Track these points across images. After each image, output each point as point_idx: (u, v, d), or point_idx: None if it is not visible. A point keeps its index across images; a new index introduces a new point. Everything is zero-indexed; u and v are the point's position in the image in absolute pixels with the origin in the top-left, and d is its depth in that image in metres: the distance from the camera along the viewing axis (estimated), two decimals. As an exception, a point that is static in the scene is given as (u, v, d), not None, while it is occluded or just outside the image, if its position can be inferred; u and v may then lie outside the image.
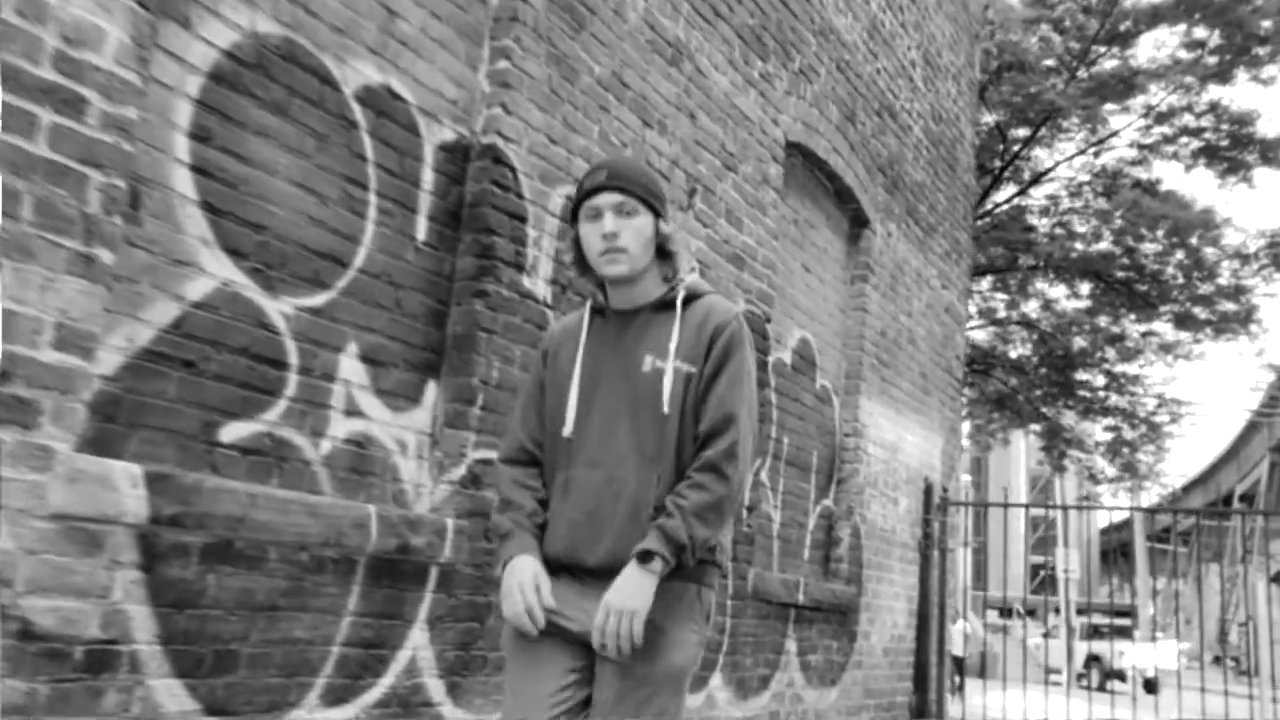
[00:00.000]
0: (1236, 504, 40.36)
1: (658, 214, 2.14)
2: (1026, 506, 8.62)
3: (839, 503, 6.35)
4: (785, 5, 5.61)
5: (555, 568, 2.07)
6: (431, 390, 3.50)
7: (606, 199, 2.10)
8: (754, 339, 5.10)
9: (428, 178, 3.52)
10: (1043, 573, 47.15)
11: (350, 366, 3.21)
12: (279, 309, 3.00)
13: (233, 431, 2.85)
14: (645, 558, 1.94)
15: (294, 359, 3.03)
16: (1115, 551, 47.60)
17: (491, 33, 3.77)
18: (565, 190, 3.92)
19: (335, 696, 2.99)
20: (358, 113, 3.27)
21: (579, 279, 2.22)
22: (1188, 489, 43.01)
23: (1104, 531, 46.64)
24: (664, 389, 2.06)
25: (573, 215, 2.18)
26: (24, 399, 2.27)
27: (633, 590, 1.93)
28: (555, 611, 2.00)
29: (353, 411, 3.21)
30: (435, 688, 3.31)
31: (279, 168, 3.01)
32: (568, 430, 2.11)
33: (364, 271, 3.27)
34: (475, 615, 3.47)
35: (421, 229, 3.49)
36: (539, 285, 3.79)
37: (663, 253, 2.17)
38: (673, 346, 2.09)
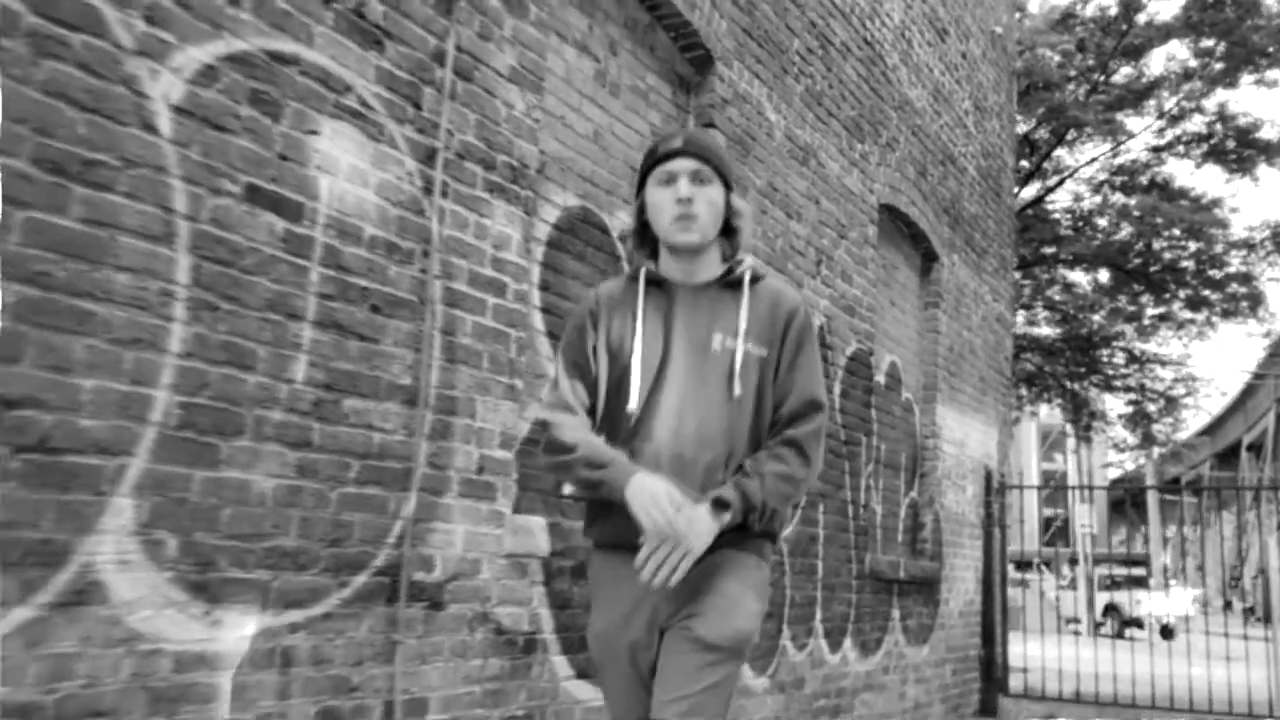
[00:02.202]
0: (1245, 454, 41.70)
1: (729, 187, 2.14)
2: (1077, 489, 9.89)
3: (922, 494, 7.66)
4: (875, 92, 6.85)
5: (612, 549, 2.11)
6: (668, 441, 4.80)
7: (682, 164, 2.09)
8: (860, 369, 6.40)
9: (659, 286, 4.80)
10: (1054, 525, 48.62)
11: (625, 432, 4.51)
12: (587, 398, 4.29)
13: (568, 488, 4.16)
14: (719, 505, 1.97)
15: (596, 431, 4.34)
16: (1125, 502, 49.11)
17: (692, 169, 5.04)
18: (745, 281, 5.20)
19: (637, 664, 4.32)
20: (620, 248, 4.55)
21: (636, 250, 2.21)
22: (1196, 440, 44.30)
23: (1114, 483, 48.09)
24: (736, 371, 2.05)
25: (640, 182, 2.17)
26: (489, 483, 3.58)
27: (698, 530, 1.93)
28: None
29: (628, 463, 4.51)
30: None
31: (579, 298, 4.29)
32: (633, 405, 2.07)
33: (629, 362, 4.56)
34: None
35: (657, 324, 4.78)
36: (732, 356, 5.09)
37: (726, 229, 2.16)
38: (743, 328, 2.08)
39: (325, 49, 3.04)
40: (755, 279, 2.15)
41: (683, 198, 2.06)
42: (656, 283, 2.15)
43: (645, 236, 2.16)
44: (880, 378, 7.09)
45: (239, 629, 2.72)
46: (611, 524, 2.07)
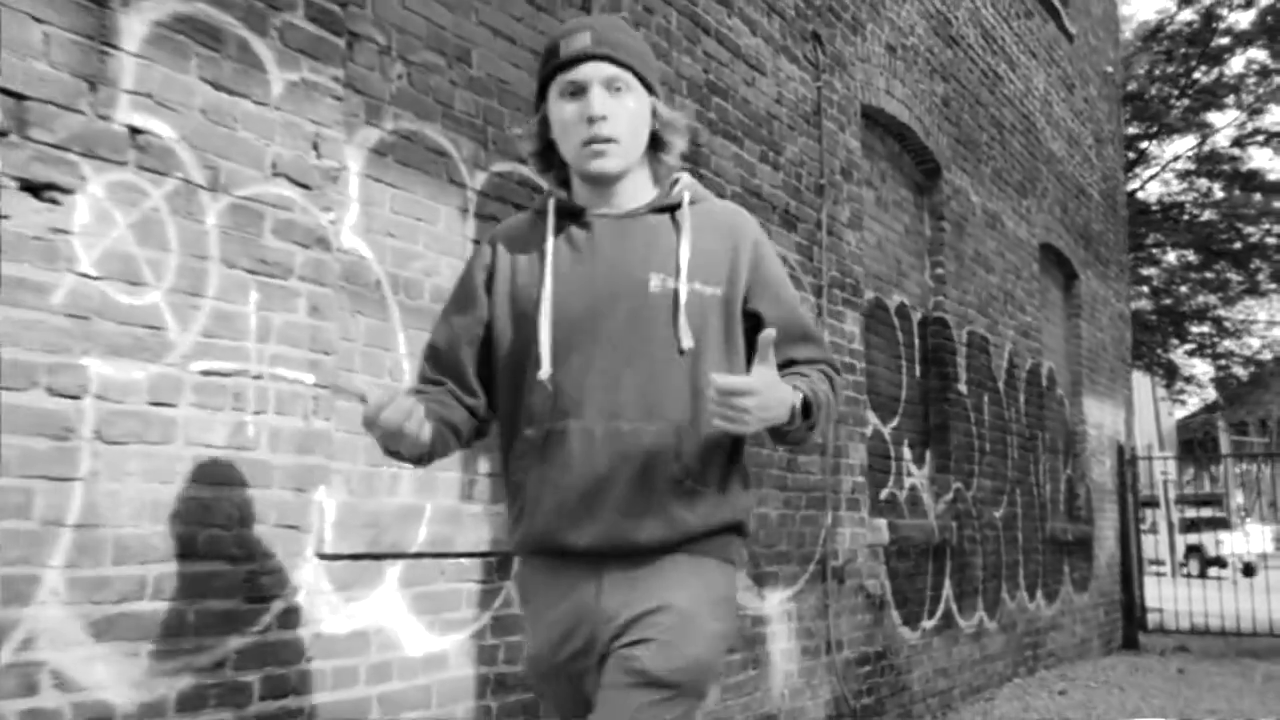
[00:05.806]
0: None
1: (652, 91, 1.71)
2: (1217, 458, 11.48)
3: (1075, 471, 9.42)
4: (1032, 155, 8.55)
5: (537, 555, 1.72)
6: (928, 456, 6.64)
7: (592, 70, 1.64)
8: (1034, 379, 8.16)
9: (915, 342, 6.60)
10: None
11: (906, 452, 6.34)
12: (883, 430, 6.13)
13: (880, 494, 6.00)
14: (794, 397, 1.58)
15: (891, 454, 6.17)
16: (1195, 441, 50.20)
17: (929, 250, 6.82)
18: (968, 328, 7.00)
19: (934, 614, 6.17)
20: (895, 320, 6.35)
21: (540, 175, 1.80)
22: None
23: (1182, 423, 49.23)
24: (681, 316, 1.64)
25: (539, 91, 1.72)
26: (856, 499, 5.42)
27: (778, 396, 1.51)
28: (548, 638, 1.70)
29: (909, 474, 6.35)
30: (955, 609, 6.48)
31: (879, 362, 6.11)
32: (544, 372, 1.65)
33: (905, 401, 6.38)
34: (965, 568, 6.62)
35: (917, 369, 6.59)
36: (964, 386, 6.88)
37: (654, 142, 1.73)
38: (685, 261, 1.67)
39: (777, 240, 4.87)
40: (695, 201, 1.75)
41: (595, 115, 1.64)
42: (570, 213, 1.74)
43: (550, 159, 1.75)
44: (1043, 381, 8.85)
45: (771, 601, 4.60)
46: (530, 524, 1.70)
